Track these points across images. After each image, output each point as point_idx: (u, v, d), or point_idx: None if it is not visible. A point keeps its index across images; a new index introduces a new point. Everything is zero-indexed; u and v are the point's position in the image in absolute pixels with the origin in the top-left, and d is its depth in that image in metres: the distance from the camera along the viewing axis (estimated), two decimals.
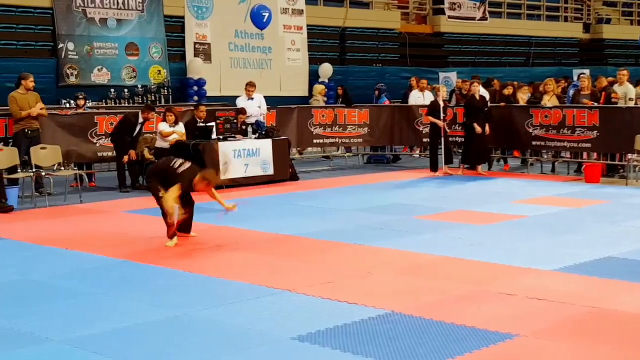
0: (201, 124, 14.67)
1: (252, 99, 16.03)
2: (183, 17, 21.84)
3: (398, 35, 26.91)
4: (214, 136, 14.35)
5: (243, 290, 6.92)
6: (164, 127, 14.18)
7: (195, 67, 21.40)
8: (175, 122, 14.29)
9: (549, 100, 15.84)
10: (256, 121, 15.34)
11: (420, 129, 17.54)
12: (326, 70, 23.63)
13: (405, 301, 6.50)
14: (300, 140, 17.16)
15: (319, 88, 20.94)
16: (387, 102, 19.21)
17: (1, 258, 8.42)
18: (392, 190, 13.57)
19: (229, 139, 14.45)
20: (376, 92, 19.82)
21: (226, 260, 8.24)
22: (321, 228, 9.94)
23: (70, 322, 6.01)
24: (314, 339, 5.57)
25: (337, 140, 17.88)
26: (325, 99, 20.36)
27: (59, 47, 19.49)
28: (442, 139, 15.68)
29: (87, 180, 14.61)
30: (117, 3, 20.36)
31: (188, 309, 6.32)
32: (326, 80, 23.38)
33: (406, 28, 27.30)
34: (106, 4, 20.13)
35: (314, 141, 17.55)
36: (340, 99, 20.53)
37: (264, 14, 20.05)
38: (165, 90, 20.87)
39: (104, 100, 19.69)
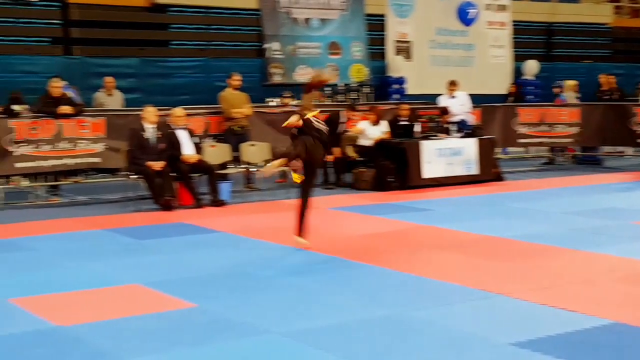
0: (403, 123, 14.61)
1: (454, 97, 15.78)
2: (384, 16, 21.90)
3: (610, 30, 25.78)
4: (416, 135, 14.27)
5: (456, 292, 6.73)
6: (364, 126, 14.28)
7: (396, 66, 21.40)
8: (377, 122, 14.32)
9: None
10: (461, 120, 15.07)
11: (635, 129, 16.62)
12: (531, 67, 22.99)
13: (632, 312, 6.07)
14: (504, 140, 16.71)
15: (571, 84, 19.86)
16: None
17: (216, 250, 8.66)
18: (606, 193, 12.88)
19: (431, 137, 14.28)
20: (557, 91, 18.94)
21: (436, 260, 8.08)
22: (531, 231, 9.57)
23: (288, 314, 6.06)
24: (535, 346, 5.30)
25: (543, 139, 17.28)
26: (578, 95, 19.25)
27: (265, 47, 20.05)
28: None
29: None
30: (321, 3, 20.67)
31: (403, 308, 6.21)
32: (531, 78, 22.74)
33: (618, 22, 26.12)
34: (310, 4, 20.49)
35: (519, 141, 17.05)
36: (513, 98, 19.57)
37: (470, 10, 19.71)
38: (367, 89, 20.98)
39: None
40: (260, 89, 19.19)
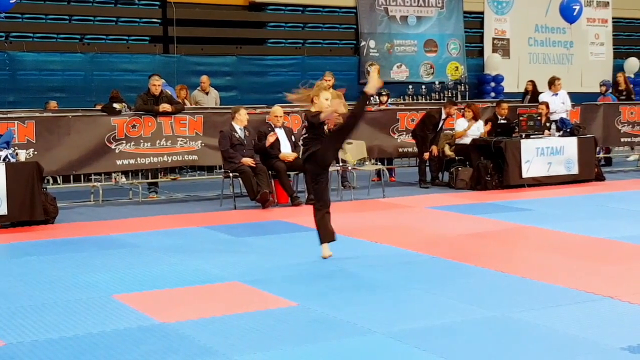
0: (503, 121, 14.37)
1: (556, 94, 15.42)
2: (482, 13, 21.64)
3: None
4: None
5: (561, 294, 6.54)
6: (462, 124, 14.12)
7: (493, 63, 21.11)
8: (474, 119, 14.13)
9: None
10: (560, 118, 14.72)
11: None
12: (632, 65, 22.40)
13: None
14: (606, 139, 16.28)
15: None
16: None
17: (315, 249, 8.54)
18: None
19: (532, 136, 13.98)
20: (602, 89, 18.27)
21: (538, 261, 7.88)
22: (637, 232, 9.25)
23: (390, 315, 5.99)
24: None
25: None
26: None
27: (361, 45, 20.02)
28: None
29: (387, 175, 14.83)
30: (418, 0, 20.52)
31: (506, 310, 6.07)
32: (632, 76, 22.12)
33: None
34: (407, 2, 20.37)
35: (622, 140, 16.57)
36: (529, 96, 18.72)
37: (574, 7, 19.25)
38: (462, 87, 20.74)
39: (402, 97, 19.94)
40: (356, 87, 19.15)
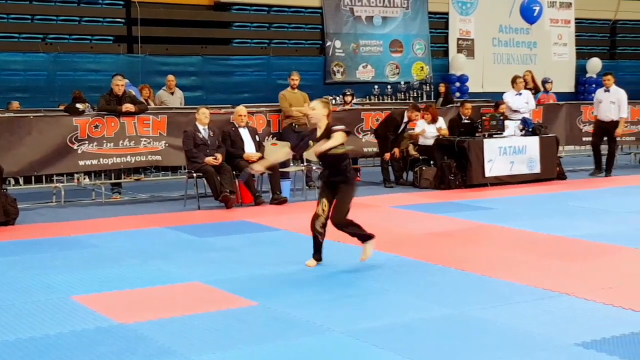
0: (466, 121, 14.46)
1: (520, 94, 15.55)
2: (447, 14, 21.77)
3: None
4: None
5: (518, 292, 6.62)
6: (422, 125, 14.20)
7: (458, 64, 21.23)
8: (433, 120, 14.23)
9: None
10: (523, 118, 14.85)
11: None
12: (594, 65, 22.64)
13: None
14: (568, 138, 16.45)
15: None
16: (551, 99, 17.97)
17: (277, 249, 8.66)
18: None
19: (494, 136, 14.10)
20: (549, 86, 18.50)
21: (498, 259, 7.96)
22: (595, 230, 9.39)
23: (350, 314, 6.01)
24: (600, 346, 5.19)
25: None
26: None
27: (326, 45, 20.06)
28: None
29: None
30: (383, 1, 20.60)
31: (465, 307, 6.13)
32: (594, 76, 22.37)
33: None
34: (372, 2, 20.44)
35: (584, 139, 16.76)
36: (442, 98, 18.59)
37: (534, 7, 19.45)
38: (428, 87, 20.85)
39: (367, 97, 20.01)
40: (321, 87, 19.22)
